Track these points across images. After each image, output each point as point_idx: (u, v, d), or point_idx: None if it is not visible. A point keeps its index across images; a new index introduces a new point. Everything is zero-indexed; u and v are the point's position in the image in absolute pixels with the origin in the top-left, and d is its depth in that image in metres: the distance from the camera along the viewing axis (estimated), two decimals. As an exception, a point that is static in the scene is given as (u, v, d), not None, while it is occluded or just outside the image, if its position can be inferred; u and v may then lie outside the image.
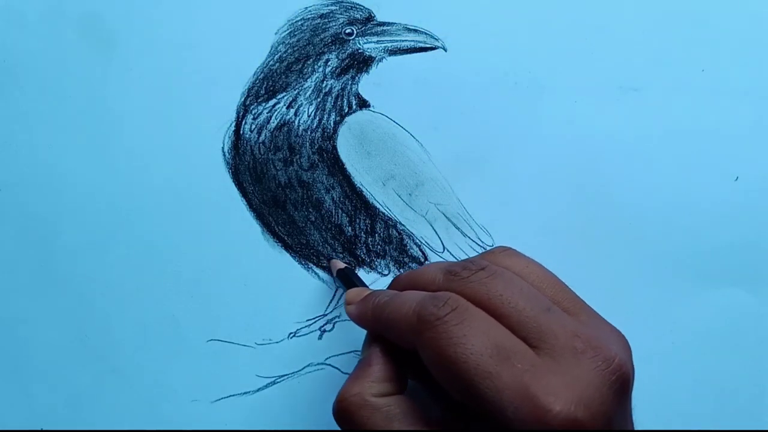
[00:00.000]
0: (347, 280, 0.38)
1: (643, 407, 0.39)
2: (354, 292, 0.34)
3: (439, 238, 0.40)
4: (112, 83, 0.41)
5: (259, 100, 0.41)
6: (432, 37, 0.40)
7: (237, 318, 0.40)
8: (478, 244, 0.40)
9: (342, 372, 0.40)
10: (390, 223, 0.41)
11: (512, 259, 0.31)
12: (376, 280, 0.41)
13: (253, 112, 0.41)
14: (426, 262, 0.41)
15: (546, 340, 0.26)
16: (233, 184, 0.41)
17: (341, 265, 0.40)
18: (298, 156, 0.41)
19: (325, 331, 0.40)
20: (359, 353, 0.40)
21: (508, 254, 0.31)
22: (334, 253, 0.41)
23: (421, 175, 0.41)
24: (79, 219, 0.41)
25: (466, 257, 0.40)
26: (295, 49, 0.41)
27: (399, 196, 0.40)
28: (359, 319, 0.32)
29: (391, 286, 0.33)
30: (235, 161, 0.41)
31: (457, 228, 0.40)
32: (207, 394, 0.40)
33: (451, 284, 0.29)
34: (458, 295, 0.28)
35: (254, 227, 0.41)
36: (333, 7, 0.41)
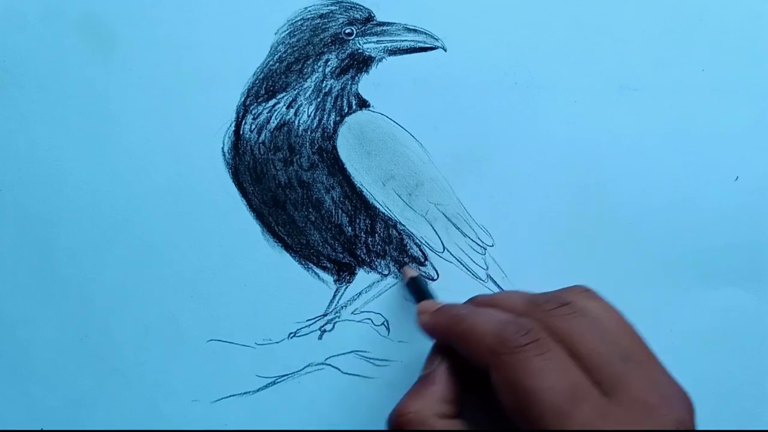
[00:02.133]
0: (418, 289, 0.37)
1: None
2: (428, 303, 0.34)
3: (439, 238, 0.40)
4: (112, 83, 0.41)
5: (259, 100, 0.41)
6: (432, 37, 0.40)
7: (237, 318, 0.40)
8: (478, 244, 0.40)
9: (342, 372, 0.40)
10: (390, 223, 0.41)
11: (593, 301, 0.30)
12: (376, 280, 0.41)
13: (253, 112, 0.41)
14: (426, 262, 0.41)
15: (620, 390, 0.26)
16: (233, 184, 0.41)
17: (413, 273, 0.39)
18: (298, 156, 0.41)
19: (325, 331, 0.40)
20: (359, 353, 0.40)
21: (589, 296, 0.30)
22: (334, 254, 0.41)
23: (421, 175, 0.41)
24: (79, 219, 0.41)
25: (467, 257, 0.40)
26: (295, 49, 0.41)
27: (399, 196, 0.40)
28: (434, 329, 0.32)
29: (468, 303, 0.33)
30: (235, 161, 0.41)
31: (457, 228, 0.40)
32: (207, 394, 0.40)
33: (533, 314, 0.28)
34: (541, 327, 0.27)
35: (254, 227, 0.41)
36: (333, 7, 0.41)
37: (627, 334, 0.29)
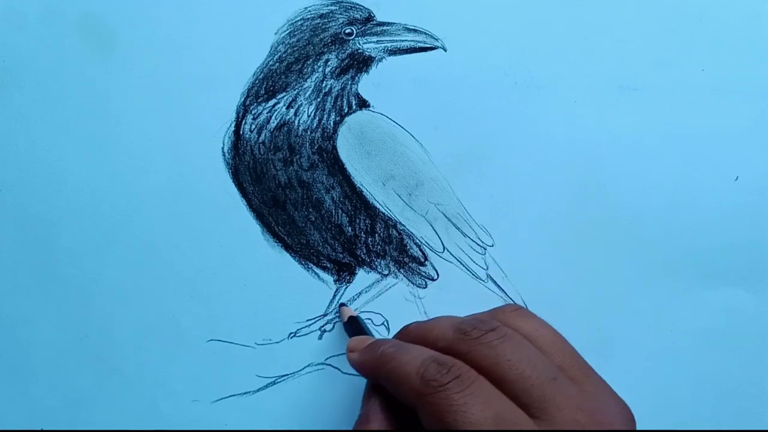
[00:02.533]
0: (355, 327, 0.37)
1: (643, 407, 0.39)
2: (357, 340, 0.34)
3: (439, 238, 0.40)
4: (112, 83, 0.41)
5: (259, 100, 0.41)
6: (432, 37, 0.40)
7: (237, 318, 0.40)
8: (478, 244, 0.40)
9: (342, 372, 0.40)
10: (390, 223, 0.41)
11: (523, 320, 0.30)
12: (376, 280, 0.41)
13: (253, 112, 0.41)
14: (426, 262, 0.41)
15: (548, 411, 0.26)
16: (233, 184, 0.41)
17: (351, 312, 0.39)
18: (298, 156, 0.41)
19: (325, 331, 0.40)
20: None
21: (519, 314, 0.31)
22: (334, 254, 0.41)
23: (421, 175, 0.41)
24: (79, 219, 0.41)
25: (467, 257, 0.40)
26: (295, 49, 0.41)
27: (399, 196, 0.40)
28: (362, 368, 0.32)
29: (398, 336, 0.33)
30: (235, 161, 0.41)
31: (457, 228, 0.40)
32: (207, 394, 0.40)
33: (459, 344, 0.29)
34: (462, 363, 0.28)
35: (254, 227, 0.41)
36: (333, 7, 0.41)
37: (559, 350, 0.29)
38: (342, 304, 0.40)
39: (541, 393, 0.26)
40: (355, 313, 0.39)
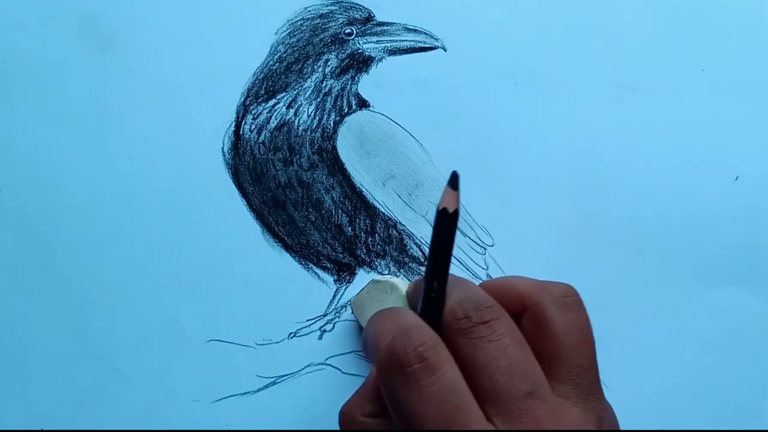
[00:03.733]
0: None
1: (643, 407, 0.39)
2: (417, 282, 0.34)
3: (439, 238, 0.40)
4: (112, 83, 0.41)
5: (259, 100, 0.41)
6: (432, 37, 0.40)
7: (237, 318, 0.40)
8: (478, 244, 0.40)
9: (342, 372, 0.40)
10: (390, 223, 0.41)
11: (559, 311, 0.30)
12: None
13: (253, 112, 0.41)
14: (426, 262, 0.41)
15: (511, 425, 0.25)
16: (233, 184, 0.41)
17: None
18: (297, 156, 0.41)
19: (325, 331, 0.40)
20: (360, 353, 0.40)
21: (561, 303, 0.30)
22: (334, 254, 0.41)
23: (421, 175, 0.41)
24: (79, 219, 0.41)
25: (467, 257, 0.40)
26: (295, 49, 0.41)
27: (399, 196, 0.40)
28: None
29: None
30: (235, 161, 0.41)
31: (457, 228, 0.40)
32: (207, 395, 0.40)
33: (450, 326, 0.28)
34: (435, 343, 0.27)
35: (254, 227, 0.41)
36: (332, 7, 0.41)
37: (572, 360, 0.28)
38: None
39: (507, 408, 0.26)
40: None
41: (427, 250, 0.41)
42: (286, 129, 0.41)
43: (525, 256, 0.40)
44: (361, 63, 0.41)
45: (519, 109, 0.40)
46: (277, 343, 0.40)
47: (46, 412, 0.41)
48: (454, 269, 0.40)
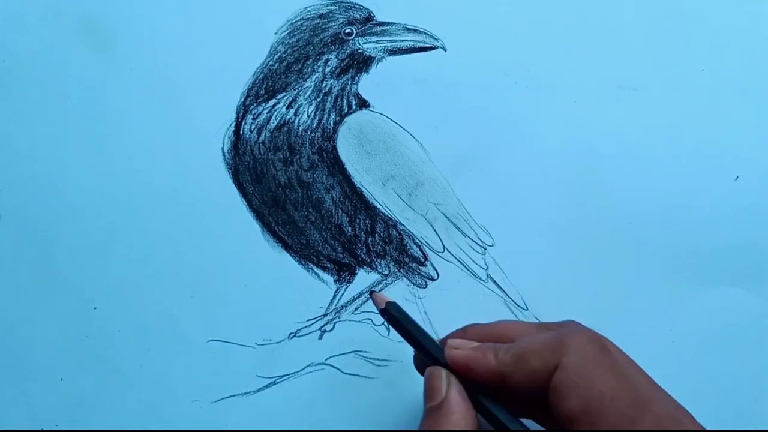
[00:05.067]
0: (397, 315, 0.33)
1: (643, 407, 0.39)
2: (459, 341, 0.32)
3: (439, 238, 0.40)
4: (112, 83, 0.41)
5: (259, 100, 0.41)
6: (432, 36, 0.40)
7: (237, 318, 0.40)
8: (478, 244, 0.40)
9: (342, 372, 0.40)
10: (390, 223, 0.41)
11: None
12: (376, 280, 0.41)
13: (253, 112, 0.41)
14: (426, 262, 0.41)
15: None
16: (233, 184, 0.41)
17: (387, 298, 0.34)
18: (298, 156, 0.41)
19: (325, 331, 0.40)
20: (360, 353, 0.40)
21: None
22: (335, 254, 0.41)
23: (421, 175, 0.41)
24: (79, 219, 0.41)
25: (467, 257, 0.40)
26: (295, 49, 0.41)
27: (399, 196, 0.40)
28: (476, 363, 0.29)
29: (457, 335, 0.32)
30: (235, 161, 0.41)
31: (457, 228, 0.40)
32: (207, 395, 0.40)
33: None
34: None
35: (254, 227, 0.41)
36: (332, 7, 0.41)
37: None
38: (372, 291, 0.36)
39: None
40: (391, 299, 0.34)
41: (427, 250, 0.41)
42: (286, 129, 0.41)
43: (525, 256, 0.40)
44: (361, 63, 0.41)
45: (519, 108, 0.40)
46: (277, 343, 0.40)
47: (46, 412, 0.41)
48: (455, 269, 0.40)
